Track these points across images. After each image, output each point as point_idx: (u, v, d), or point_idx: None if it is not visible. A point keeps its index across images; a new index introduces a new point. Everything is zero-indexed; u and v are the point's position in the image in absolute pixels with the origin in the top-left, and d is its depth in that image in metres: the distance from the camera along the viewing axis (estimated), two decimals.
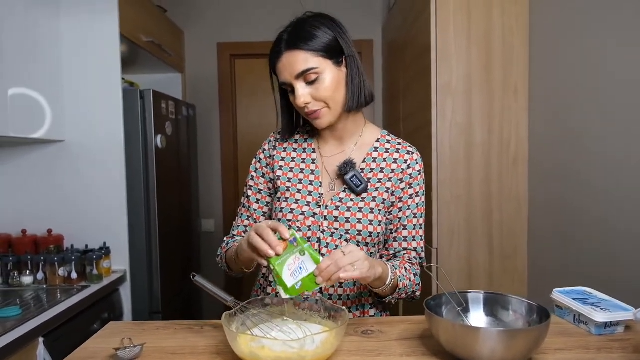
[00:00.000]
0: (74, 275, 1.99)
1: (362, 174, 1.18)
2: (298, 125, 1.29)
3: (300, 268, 0.95)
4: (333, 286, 1.17)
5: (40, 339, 1.59)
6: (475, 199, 2.00)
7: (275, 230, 0.96)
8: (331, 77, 1.11)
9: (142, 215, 2.35)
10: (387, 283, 1.07)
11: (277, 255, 0.95)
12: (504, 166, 2.00)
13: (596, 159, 1.59)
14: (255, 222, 1.28)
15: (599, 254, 1.59)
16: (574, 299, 1.08)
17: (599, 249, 1.58)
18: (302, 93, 1.10)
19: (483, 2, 1.96)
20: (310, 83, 1.10)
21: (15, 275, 1.95)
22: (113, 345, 0.97)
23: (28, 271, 1.96)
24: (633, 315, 0.96)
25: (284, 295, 0.95)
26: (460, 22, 1.96)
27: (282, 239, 0.96)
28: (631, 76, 1.43)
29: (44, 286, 1.96)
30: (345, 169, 1.16)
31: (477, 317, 0.98)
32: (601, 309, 1.01)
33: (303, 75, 1.09)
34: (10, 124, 1.80)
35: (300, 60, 1.09)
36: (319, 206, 1.18)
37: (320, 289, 1.17)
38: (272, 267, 0.96)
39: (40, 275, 1.98)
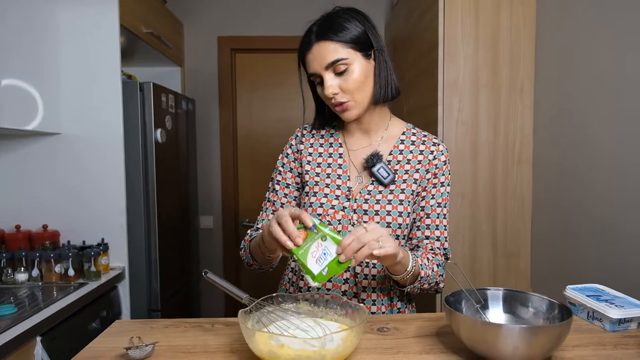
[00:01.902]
0: (71, 272, 1.94)
1: (389, 166, 1.18)
2: (331, 118, 1.27)
3: (324, 254, 0.93)
4: (360, 265, 1.17)
5: (38, 338, 1.55)
6: (480, 197, 1.99)
7: (296, 218, 0.95)
8: (360, 69, 1.11)
9: (141, 211, 2.31)
10: (408, 269, 1.05)
11: (297, 245, 0.93)
12: (509, 165, 1.99)
13: (600, 159, 1.59)
14: None
15: (602, 253, 1.58)
16: (587, 296, 1.07)
17: (602, 248, 1.58)
18: (331, 84, 1.11)
19: (491, 1, 1.94)
20: (339, 74, 1.11)
21: (9, 272, 1.89)
22: (121, 344, 0.94)
23: (22, 268, 1.91)
24: None
25: (312, 284, 0.93)
26: (468, 20, 1.94)
27: (302, 227, 0.94)
28: (637, 76, 1.43)
29: (40, 283, 1.92)
30: (372, 161, 1.17)
31: (496, 314, 0.97)
32: (616, 306, 1.01)
33: (332, 65, 1.10)
34: (2, 115, 1.75)
35: (330, 50, 1.09)
36: (348, 200, 1.18)
37: (354, 270, 1.17)
38: (296, 258, 0.94)
39: (35, 272, 1.92)
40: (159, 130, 2.36)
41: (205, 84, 3.26)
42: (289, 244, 0.93)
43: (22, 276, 1.90)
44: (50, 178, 2.13)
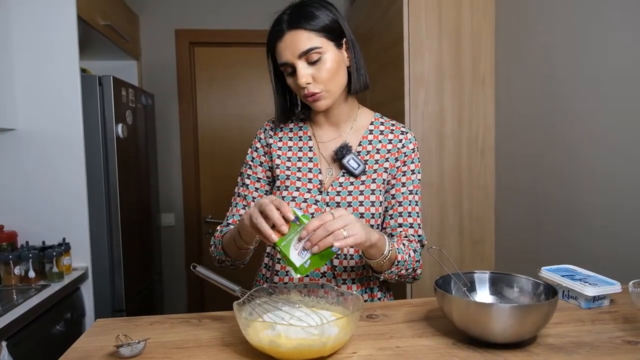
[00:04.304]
0: (32, 273, 1.85)
1: (359, 157, 1.19)
2: (292, 111, 1.27)
3: None
4: (338, 257, 1.17)
5: (4, 343, 1.46)
6: (447, 187, 2.05)
7: (277, 209, 0.92)
8: (333, 58, 1.10)
9: (103, 208, 2.23)
10: (384, 253, 1.04)
11: (283, 234, 0.92)
12: (472, 155, 2.06)
13: (560, 147, 1.67)
14: None
15: (563, 238, 1.67)
16: (562, 276, 1.13)
17: (564, 233, 1.67)
18: (304, 73, 1.09)
19: None
20: (312, 63, 1.09)
21: None
22: (107, 343, 0.91)
23: None
24: (629, 287, 1.00)
25: (294, 275, 0.93)
26: (431, 15, 1.99)
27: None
28: (593, 67, 1.51)
29: None
30: (341, 152, 1.17)
31: (483, 297, 1.00)
32: (590, 284, 1.06)
33: (306, 54, 1.08)
34: None
35: (303, 39, 1.08)
36: (320, 192, 1.18)
37: (331, 262, 1.17)
38: (279, 249, 0.93)
39: None
40: (120, 125, 2.28)
41: (164, 79, 3.17)
42: (274, 237, 0.91)
43: None
44: (6, 176, 2.02)
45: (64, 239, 2.02)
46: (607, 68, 1.47)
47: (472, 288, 1.01)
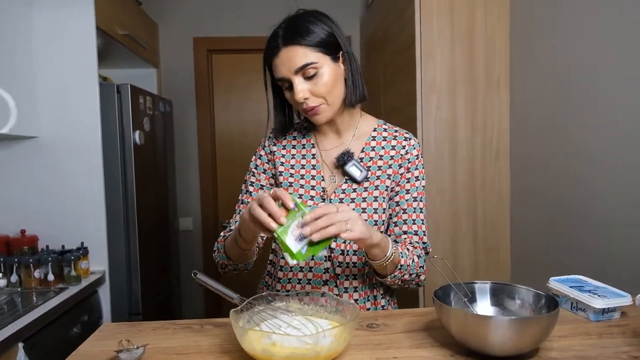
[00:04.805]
0: (51, 277, 1.91)
1: (362, 163, 1.19)
2: (291, 124, 1.28)
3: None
4: (341, 266, 1.17)
5: (20, 345, 1.51)
6: (460, 193, 2.02)
7: (277, 199, 0.93)
8: (329, 72, 1.11)
9: (120, 213, 2.28)
10: (387, 254, 1.04)
11: (281, 224, 0.93)
12: (487, 160, 2.03)
13: (576, 150, 1.64)
14: None
15: (580, 244, 1.63)
16: (570, 287, 1.10)
17: (581, 239, 1.63)
18: (301, 88, 1.10)
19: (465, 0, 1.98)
20: (309, 78, 1.10)
21: None
22: (110, 347, 0.93)
23: (1, 274, 1.87)
24: (636, 300, 0.98)
25: (290, 261, 0.93)
26: (444, 18, 1.98)
27: (282, 206, 0.93)
28: (607, 69, 1.48)
29: (19, 289, 1.88)
30: (343, 159, 1.17)
31: (484, 308, 0.99)
32: (599, 296, 1.03)
33: (302, 70, 1.09)
34: None
35: (299, 55, 1.08)
36: (323, 200, 1.18)
37: (329, 257, 1.17)
38: (276, 236, 0.93)
39: (14, 278, 1.89)
40: (137, 132, 2.33)
41: (182, 86, 3.23)
42: (273, 225, 0.91)
43: (1, 282, 1.86)
44: (28, 182, 2.09)
45: (82, 243, 2.08)
46: (620, 70, 1.43)
47: (472, 299, 0.99)
